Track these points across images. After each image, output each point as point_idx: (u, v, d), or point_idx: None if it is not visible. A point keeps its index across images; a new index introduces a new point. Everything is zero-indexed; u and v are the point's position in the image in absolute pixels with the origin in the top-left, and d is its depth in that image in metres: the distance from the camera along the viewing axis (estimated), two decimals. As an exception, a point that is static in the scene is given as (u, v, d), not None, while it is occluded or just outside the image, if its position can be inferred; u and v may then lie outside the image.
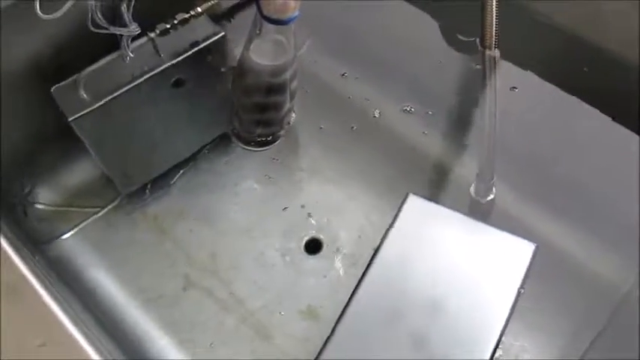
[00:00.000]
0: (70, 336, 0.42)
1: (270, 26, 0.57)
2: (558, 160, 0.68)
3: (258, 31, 0.59)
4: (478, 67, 0.68)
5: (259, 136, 0.71)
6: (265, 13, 0.56)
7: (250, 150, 0.71)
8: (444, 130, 0.72)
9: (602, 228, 0.64)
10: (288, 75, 0.62)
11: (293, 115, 0.72)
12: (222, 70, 0.68)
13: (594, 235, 0.64)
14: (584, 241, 0.63)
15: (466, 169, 0.68)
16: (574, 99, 0.69)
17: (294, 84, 0.65)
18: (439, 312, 0.54)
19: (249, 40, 0.60)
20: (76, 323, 0.42)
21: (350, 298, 0.56)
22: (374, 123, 0.73)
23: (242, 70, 0.63)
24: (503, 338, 0.54)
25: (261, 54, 0.61)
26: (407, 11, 0.79)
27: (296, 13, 0.56)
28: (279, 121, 0.69)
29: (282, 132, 0.71)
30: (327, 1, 0.79)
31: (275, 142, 0.71)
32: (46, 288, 0.44)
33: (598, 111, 0.68)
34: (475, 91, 0.71)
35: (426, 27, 0.79)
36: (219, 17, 0.73)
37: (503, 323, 0.53)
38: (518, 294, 0.54)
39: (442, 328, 0.53)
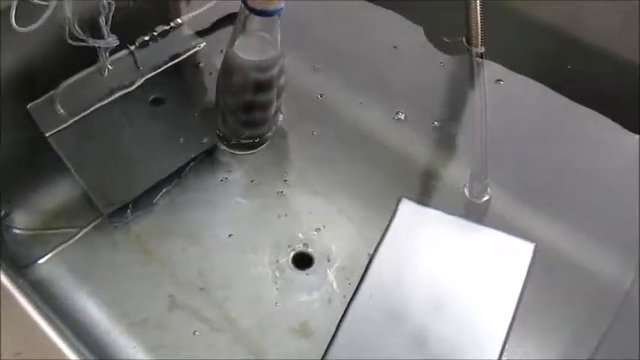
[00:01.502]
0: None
1: (256, 20, 0.56)
2: (550, 158, 0.68)
3: (242, 27, 0.57)
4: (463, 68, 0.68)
5: (246, 138, 0.69)
6: (250, 4, 0.55)
7: (237, 153, 0.69)
8: (432, 135, 0.71)
9: (601, 226, 0.63)
10: (275, 71, 0.61)
11: (281, 115, 0.70)
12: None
13: (593, 234, 0.63)
14: (583, 241, 0.63)
15: (458, 172, 0.68)
16: (562, 97, 0.68)
17: (281, 81, 0.64)
18: (441, 317, 0.53)
19: (234, 37, 0.59)
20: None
21: (348, 306, 0.54)
22: (360, 130, 0.72)
23: (227, 67, 0.62)
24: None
25: (247, 49, 0.59)
26: (389, 17, 0.80)
27: (281, 5, 0.56)
28: (267, 121, 0.67)
29: (269, 133, 0.69)
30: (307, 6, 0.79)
31: (263, 144, 0.69)
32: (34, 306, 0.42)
33: (587, 108, 0.68)
34: (461, 92, 0.70)
35: (410, 31, 0.79)
36: (202, 32, 0.71)
37: (507, 326, 0.52)
38: (521, 295, 0.53)
39: (445, 332, 0.52)
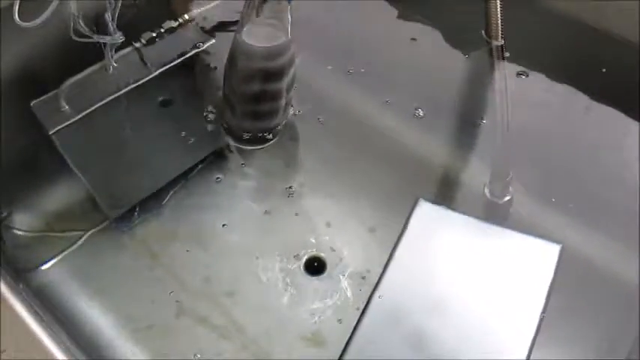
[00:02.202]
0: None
1: (265, 6, 0.55)
2: (573, 156, 0.66)
3: (251, 13, 0.56)
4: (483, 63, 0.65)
5: (255, 131, 0.67)
6: None
7: (245, 148, 0.66)
8: (451, 133, 0.70)
9: (627, 227, 0.61)
10: (284, 59, 0.59)
11: (291, 109, 0.68)
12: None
13: (619, 234, 0.61)
14: (610, 242, 0.60)
15: (478, 172, 0.65)
16: (584, 94, 0.66)
17: (292, 71, 0.62)
18: (465, 324, 0.50)
19: (242, 23, 0.57)
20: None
21: (362, 313, 0.52)
22: (375, 127, 0.70)
23: (235, 55, 0.60)
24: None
25: (255, 36, 0.58)
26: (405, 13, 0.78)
27: None
28: (277, 113, 0.65)
29: (279, 127, 0.66)
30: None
31: (273, 139, 0.67)
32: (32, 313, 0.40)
33: (609, 107, 0.65)
34: (482, 88, 0.68)
35: (426, 30, 0.77)
36: (211, 30, 0.70)
37: (534, 330, 0.50)
38: (548, 299, 0.50)
39: (470, 339, 0.50)
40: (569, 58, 0.69)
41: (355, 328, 0.52)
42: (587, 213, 0.63)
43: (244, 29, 0.58)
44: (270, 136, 0.68)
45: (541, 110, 0.70)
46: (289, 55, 0.61)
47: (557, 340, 0.55)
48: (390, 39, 0.78)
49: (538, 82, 0.71)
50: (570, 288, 0.56)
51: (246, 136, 0.68)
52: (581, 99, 0.69)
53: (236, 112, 0.66)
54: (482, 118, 0.70)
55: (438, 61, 0.75)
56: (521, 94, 0.70)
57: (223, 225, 0.65)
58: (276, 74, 0.61)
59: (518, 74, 0.71)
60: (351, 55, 0.77)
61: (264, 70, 0.61)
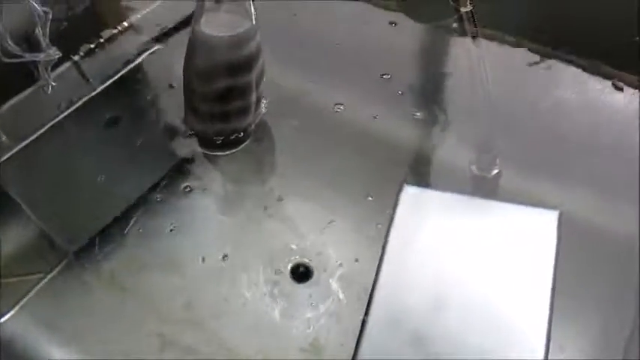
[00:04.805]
0: None
1: None
2: (557, 124, 0.64)
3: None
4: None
5: (227, 133, 0.62)
6: None
7: (215, 154, 0.62)
8: (426, 114, 0.67)
9: (618, 188, 0.59)
10: (251, 48, 0.54)
11: (263, 104, 0.64)
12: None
13: (613, 198, 0.59)
14: (606, 205, 0.58)
15: (460, 150, 0.63)
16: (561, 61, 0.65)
17: (260, 62, 0.57)
18: (475, 309, 0.48)
19: (200, 13, 0.52)
20: None
21: (366, 314, 0.49)
22: (345, 119, 0.67)
23: (194, 49, 0.55)
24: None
25: (216, 25, 0.53)
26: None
27: None
28: (248, 111, 0.60)
29: (252, 127, 0.62)
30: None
31: (245, 140, 0.62)
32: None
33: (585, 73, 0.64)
34: (452, 61, 0.66)
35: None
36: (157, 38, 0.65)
37: (548, 309, 0.47)
38: (555, 268, 0.48)
39: (482, 326, 0.47)
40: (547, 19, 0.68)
41: (360, 333, 0.48)
42: (579, 179, 0.61)
43: (202, 19, 0.53)
44: (242, 137, 0.63)
45: (515, 78, 0.69)
46: (256, 42, 0.56)
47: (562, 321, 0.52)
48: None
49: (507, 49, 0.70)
50: (575, 255, 0.54)
51: (215, 140, 0.63)
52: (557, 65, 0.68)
53: (202, 115, 0.61)
54: (452, 91, 0.68)
55: (407, 38, 0.74)
56: (497, 61, 0.68)
57: (196, 245, 0.60)
58: (244, 66, 0.57)
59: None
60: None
61: (230, 63, 0.56)
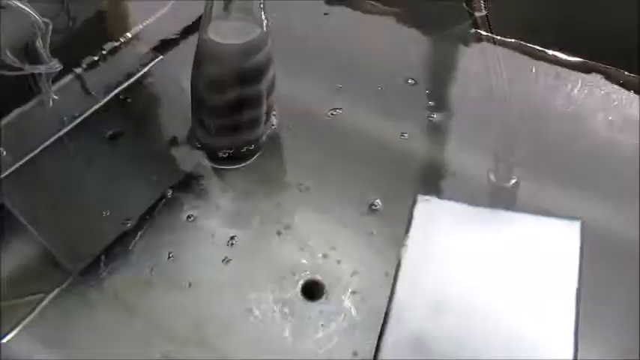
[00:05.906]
0: None
1: None
2: (576, 131, 0.63)
3: (216, 7, 0.49)
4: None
5: (238, 146, 0.60)
6: None
7: (224, 168, 0.60)
8: (441, 124, 0.66)
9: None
10: (262, 56, 0.52)
11: (274, 116, 0.62)
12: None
13: (634, 206, 0.57)
14: (627, 216, 0.57)
15: (477, 160, 0.62)
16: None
17: (271, 71, 0.56)
18: (497, 323, 0.46)
19: (206, 21, 0.50)
20: None
21: (381, 334, 0.47)
22: (358, 130, 0.66)
23: (202, 58, 0.54)
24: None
25: (225, 33, 0.51)
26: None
27: None
28: (258, 122, 0.59)
29: (263, 139, 0.60)
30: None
31: (255, 153, 0.60)
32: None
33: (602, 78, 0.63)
34: (469, 70, 0.65)
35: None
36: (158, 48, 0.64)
37: (573, 322, 0.45)
38: (580, 281, 0.47)
39: (507, 342, 0.45)
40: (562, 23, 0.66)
41: (377, 350, 0.46)
42: (598, 187, 0.60)
43: (209, 26, 0.52)
44: (252, 150, 0.61)
45: (533, 85, 0.67)
46: (267, 50, 0.54)
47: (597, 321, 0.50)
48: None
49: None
50: (598, 266, 0.52)
51: (225, 153, 0.61)
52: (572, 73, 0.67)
53: (211, 127, 0.59)
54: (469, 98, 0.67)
55: (423, 45, 0.73)
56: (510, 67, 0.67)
57: (203, 261, 0.58)
58: (254, 75, 0.55)
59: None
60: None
61: (241, 73, 0.54)
